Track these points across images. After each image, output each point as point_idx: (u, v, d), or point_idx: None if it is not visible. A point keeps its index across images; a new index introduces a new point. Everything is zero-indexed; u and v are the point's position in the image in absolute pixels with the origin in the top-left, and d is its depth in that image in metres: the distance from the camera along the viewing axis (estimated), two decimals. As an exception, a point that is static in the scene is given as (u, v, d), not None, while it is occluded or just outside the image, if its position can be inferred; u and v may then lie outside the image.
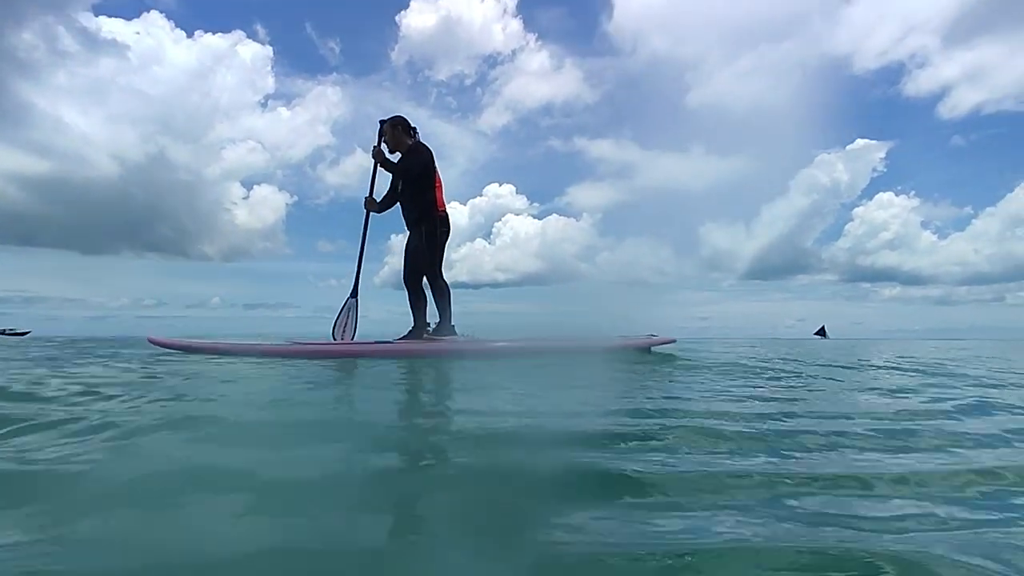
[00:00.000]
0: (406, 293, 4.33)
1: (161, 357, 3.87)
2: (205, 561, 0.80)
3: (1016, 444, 1.59)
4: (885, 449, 1.49)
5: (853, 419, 1.88)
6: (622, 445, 1.43)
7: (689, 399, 2.22)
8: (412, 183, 4.26)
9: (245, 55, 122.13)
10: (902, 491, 1.13)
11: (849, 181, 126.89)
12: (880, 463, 1.33)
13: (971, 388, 2.86)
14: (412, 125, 4.41)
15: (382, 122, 4.34)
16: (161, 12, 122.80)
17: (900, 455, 1.43)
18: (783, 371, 3.58)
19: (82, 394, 2.14)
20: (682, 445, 1.45)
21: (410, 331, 4.28)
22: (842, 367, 4.10)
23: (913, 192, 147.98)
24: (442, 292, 4.31)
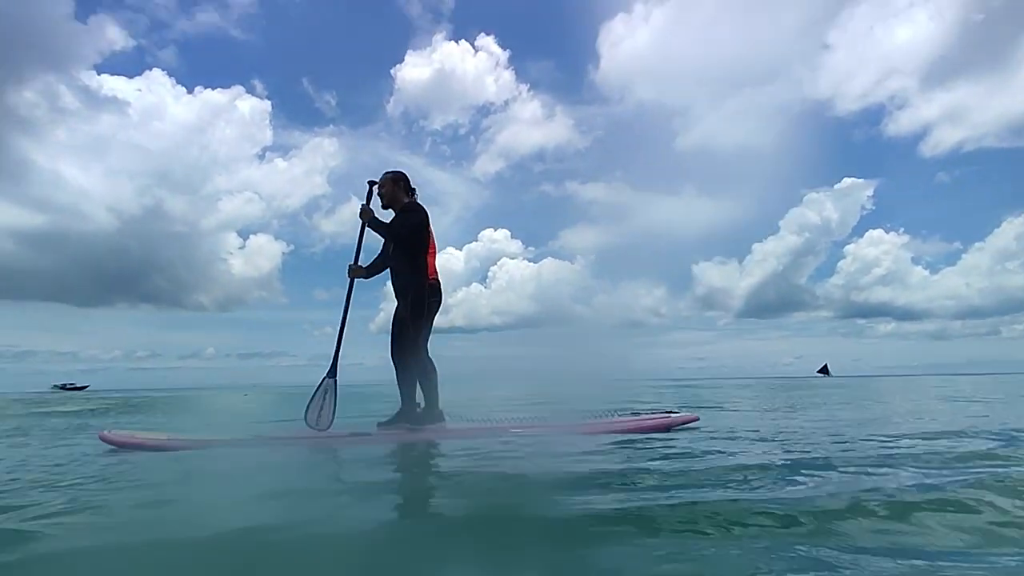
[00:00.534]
0: (393, 370, 3.90)
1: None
2: None
3: None
4: None
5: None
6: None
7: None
8: (402, 245, 3.89)
9: (244, 109, 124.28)
10: None
11: (839, 219, 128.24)
12: None
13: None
14: (412, 185, 4.09)
15: (371, 183, 4.02)
16: (163, 70, 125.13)
17: None
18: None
19: None
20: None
21: (398, 413, 3.83)
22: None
23: (902, 228, 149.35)
24: (427, 373, 3.79)
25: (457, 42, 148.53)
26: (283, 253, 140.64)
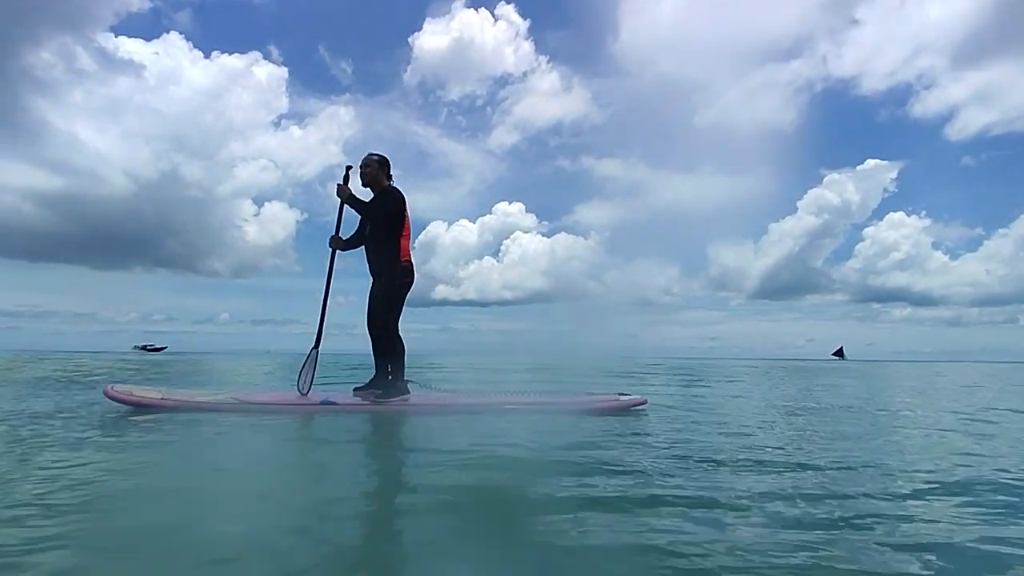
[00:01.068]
0: (369, 341, 4.17)
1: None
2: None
3: None
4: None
5: None
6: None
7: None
8: (378, 226, 4.12)
9: (261, 75, 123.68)
10: None
11: (860, 201, 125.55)
12: None
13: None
14: (391, 172, 4.32)
15: (348, 167, 4.22)
16: (180, 33, 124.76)
17: None
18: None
19: None
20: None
21: (371, 380, 4.12)
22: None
23: (924, 212, 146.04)
24: (395, 350, 4.07)
25: (476, 10, 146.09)
26: (297, 221, 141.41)
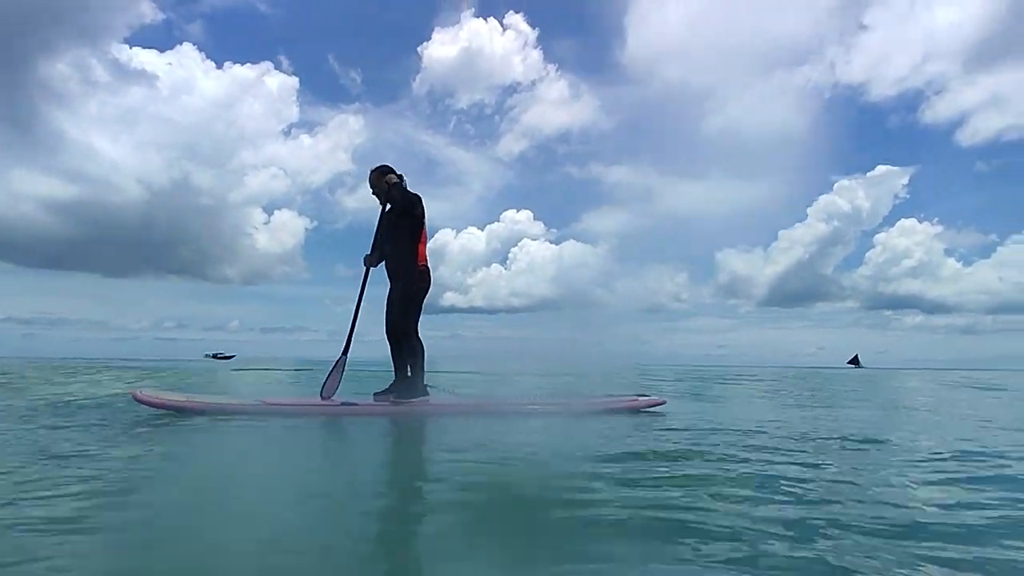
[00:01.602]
0: (388, 345, 4.28)
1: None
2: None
3: None
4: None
5: None
6: None
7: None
8: (401, 231, 4.20)
9: (272, 85, 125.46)
10: None
11: (871, 208, 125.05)
12: None
13: None
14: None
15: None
16: (193, 44, 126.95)
17: None
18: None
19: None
20: None
21: (391, 384, 4.21)
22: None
23: (936, 219, 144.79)
24: (415, 352, 4.16)
25: (486, 19, 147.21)
26: (306, 229, 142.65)
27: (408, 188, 4.28)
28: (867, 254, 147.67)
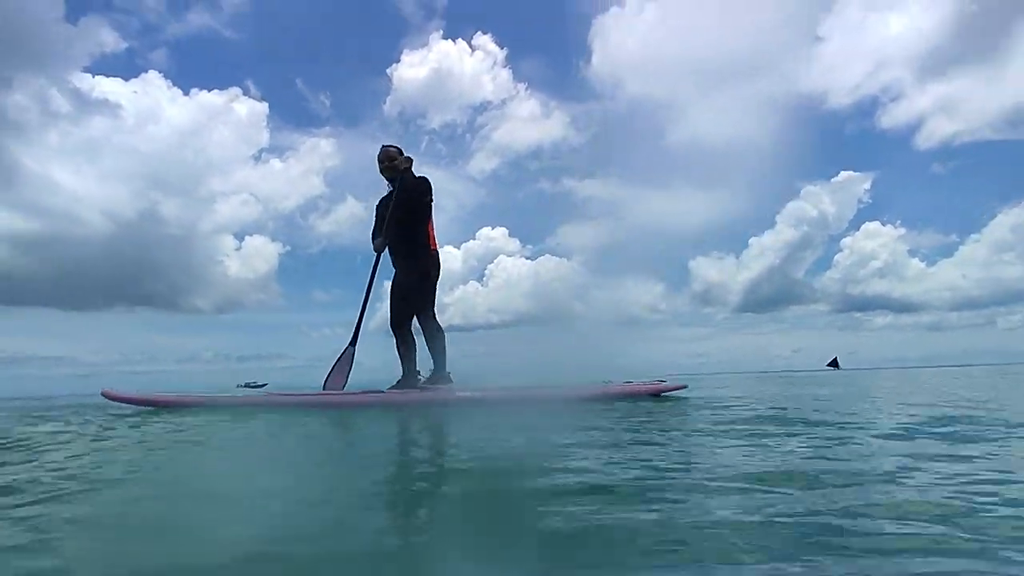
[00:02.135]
0: (393, 339, 4.11)
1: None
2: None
3: None
4: None
5: None
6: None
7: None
8: (412, 212, 4.07)
9: (241, 111, 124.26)
10: None
11: (836, 212, 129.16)
12: None
13: None
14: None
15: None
16: (159, 72, 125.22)
17: None
18: None
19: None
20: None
21: (399, 381, 4.04)
22: None
23: (899, 221, 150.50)
24: (435, 335, 4.01)
25: (454, 41, 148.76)
26: (279, 254, 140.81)
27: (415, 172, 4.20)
28: (835, 257, 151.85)
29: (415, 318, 4.05)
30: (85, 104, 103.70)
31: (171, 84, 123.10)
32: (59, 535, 1.15)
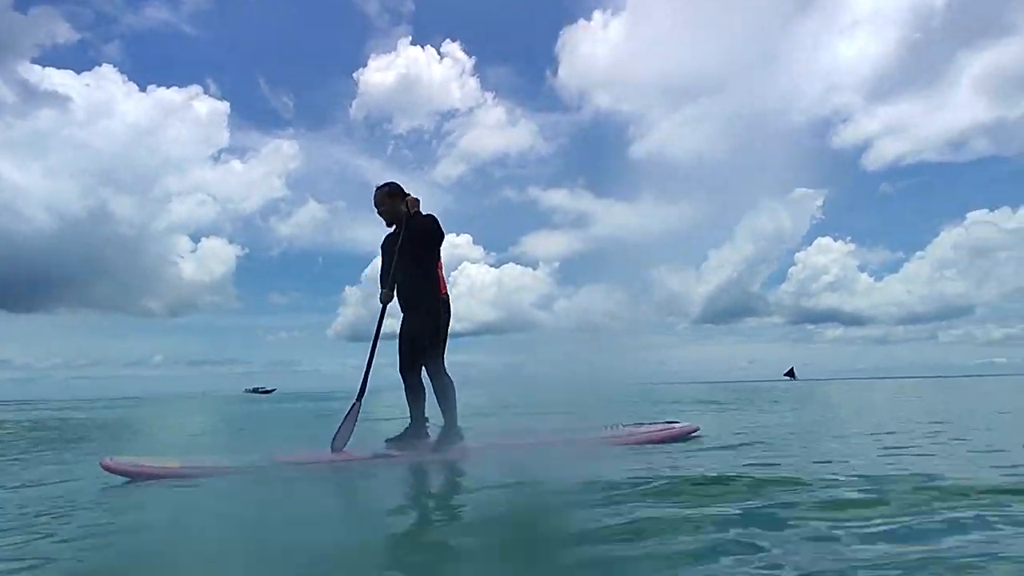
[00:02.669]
0: (403, 385, 3.84)
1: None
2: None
3: None
4: None
5: None
6: None
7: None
8: (418, 257, 3.79)
9: (201, 110, 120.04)
10: None
11: (792, 227, 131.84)
12: None
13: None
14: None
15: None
16: (113, 66, 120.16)
17: None
18: None
19: None
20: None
21: (407, 429, 3.76)
22: None
23: (849, 237, 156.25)
24: (445, 389, 3.70)
25: (423, 47, 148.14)
26: (237, 257, 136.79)
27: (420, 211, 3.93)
28: (789, 271, 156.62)
29: (424, 368, 3.79)
30: (32, 96, 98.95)
31: (127, 79, 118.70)
32: None
